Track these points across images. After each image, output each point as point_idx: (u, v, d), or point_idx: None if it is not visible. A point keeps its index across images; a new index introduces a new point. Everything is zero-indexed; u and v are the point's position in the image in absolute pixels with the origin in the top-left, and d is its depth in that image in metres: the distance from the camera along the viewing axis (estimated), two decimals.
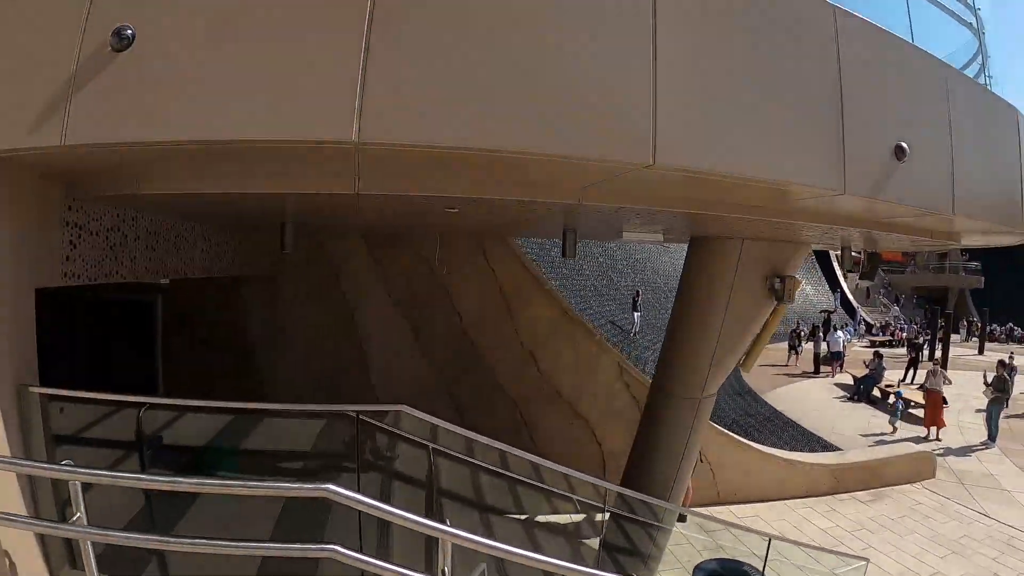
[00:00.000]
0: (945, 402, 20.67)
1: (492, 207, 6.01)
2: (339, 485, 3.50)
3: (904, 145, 5.37)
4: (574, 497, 8.16)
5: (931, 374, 21.53)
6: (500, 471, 7.48)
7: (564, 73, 3.75)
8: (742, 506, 13.71)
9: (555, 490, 8.07)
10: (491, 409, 13.03)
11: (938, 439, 19.81)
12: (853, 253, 10.86)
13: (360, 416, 6.09)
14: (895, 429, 21.14)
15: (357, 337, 13.13)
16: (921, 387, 23.24)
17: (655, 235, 9.79)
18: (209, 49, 3.52)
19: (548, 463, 7.14)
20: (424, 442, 6.56)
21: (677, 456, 9.64)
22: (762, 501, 14.04)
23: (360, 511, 4.09)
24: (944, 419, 20.38)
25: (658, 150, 3.87)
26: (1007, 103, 7.71)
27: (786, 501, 14.17)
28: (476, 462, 7.24)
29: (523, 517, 8.53)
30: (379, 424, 6.49)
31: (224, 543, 3.57)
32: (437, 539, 3.70)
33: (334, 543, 3.41)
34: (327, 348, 12.95)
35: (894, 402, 22.58)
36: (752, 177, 4.52)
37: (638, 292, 29.47)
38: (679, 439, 9.57)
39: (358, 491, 3.74)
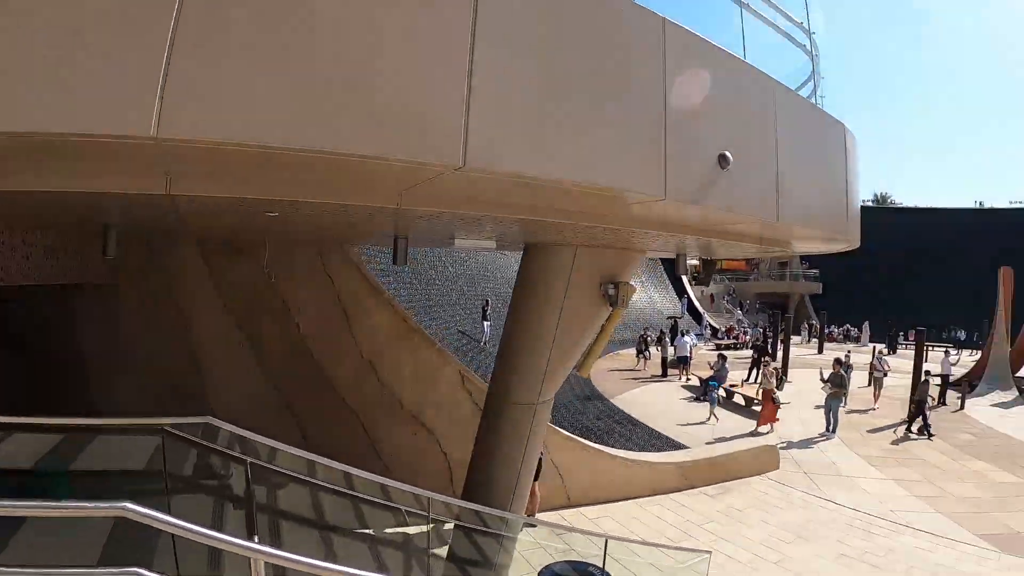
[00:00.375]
0: (774, 400, 21.59)
1: (313, 211, 5.79)
2: (157, 503, 3.32)
3: (728, 154, 5.44)
4: (402, 508, 8.02)
5: (764, 375, 22.55)
6: (324, 484, 7.31)
7: (376, 72, 3.64)
8: (592, 507, 13.83)
9: (385, 502, 7.92)
10: (333, 421, 12.63)
11: (758, 433, 20.69)
12: (692, 262, 11.10)
13: (167, 429, 5.83)
14: (715, 419, 22.68)
15: (193, 349, 12.54)
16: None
17: (488, 242, 9.71)
18: (9, 35, 3.18)
19: (362, 473, 7.04)
20: (242, 456, 6.29)
21: (516, 462, 9.58)
22: (612, 501, 14.18)
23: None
24: (775, 415, 21.49)
25: (469, 152, 3.80)
26: (835, 119, 8.00)
27: (636, 500, 14.37)
28: (294, 475, 7.03)
29: (369, 532, 8.37)
30: (201, 441, 6.24)
31: (18, 571, 3.36)
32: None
33: (137, 566, 3.25)
34: (164, 361, 12.30)
35: (709, 393, 23.94)
36: (569, 181, 4.50)
37: (487, 301, 29.78)
38: (517, 445, 9.51)
39: (168, 509, 3.56)
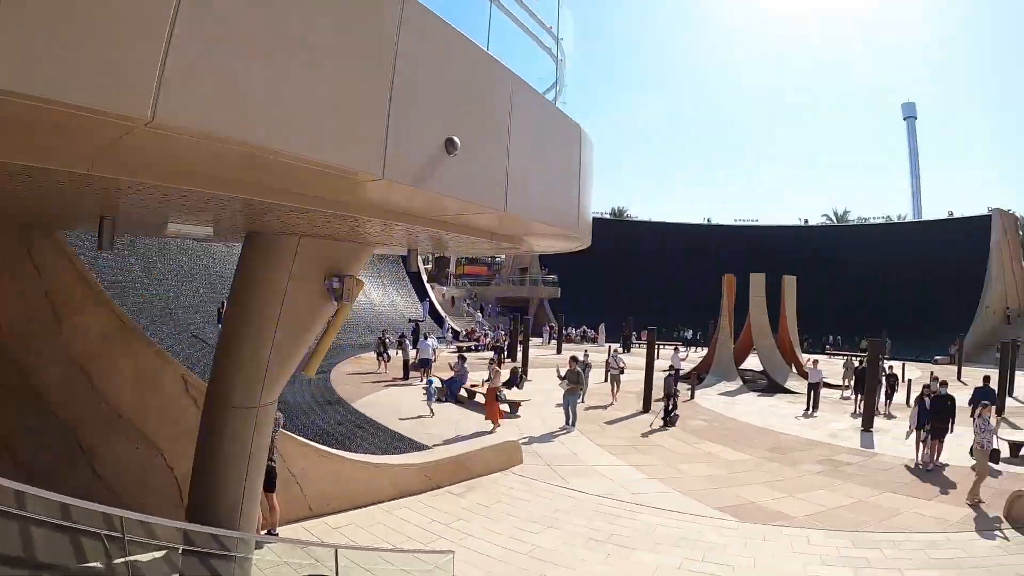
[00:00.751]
0: (498, 398, 22.07)
1: None
2: None
3: (456, 139, 5.28)
4: (100, 533, 7.22)
5: (490, 374, 22.98)
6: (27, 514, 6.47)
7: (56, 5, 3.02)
8: (337, 516, 13.25)
9: (108, 532, 7.08)
10: (42, 436, 10.97)
11: (493, 431, 20.84)
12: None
13: None
14: (432, 413, 23.40)
15: None
16: (505, 385, 25.30)
17: (205, 229, 8.94)
18: None
19: (78, 501, 6.32)
20: None
21: (240, 473, 8.87)
22: (357, 508, 13.67)
23: None
24: (501, 413, 21.95)
25: (162, 105, 3.32)
26: (572, 120, 8.12)
27: (382, 504, 13.98)
28: None
29: (94, 566, 7.54)
30: None
31: None
32: None
33: None
34: None
35: (427, 388, 24.57)
36: (274, 148, 4.11)
37: (223, 303, 28.57)
38: (240, 454, 8.81)
39: None
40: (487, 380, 23.84)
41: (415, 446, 18.50)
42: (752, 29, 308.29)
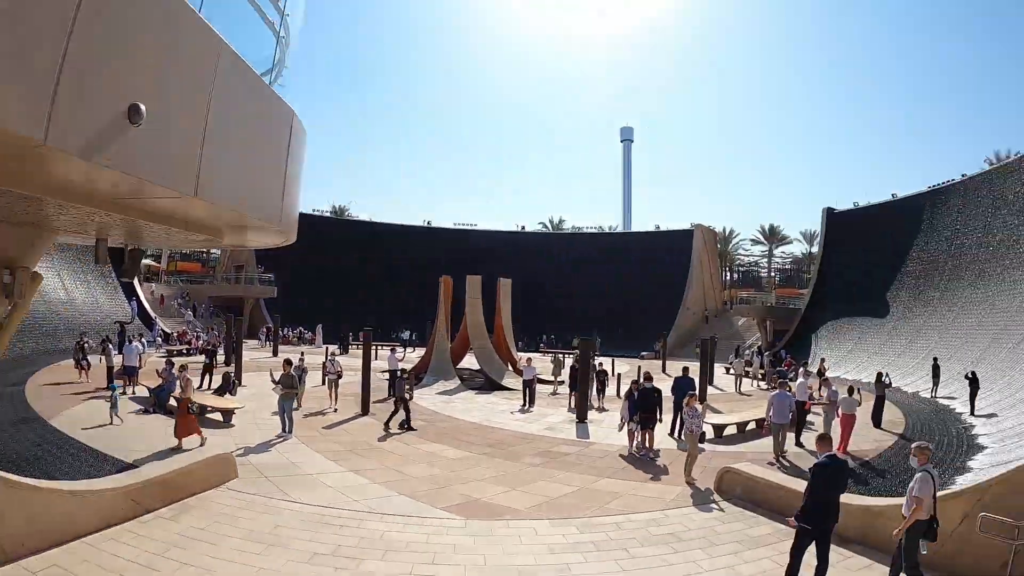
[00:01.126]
0: (190, 410, 20.21)
1: None
2: None
3: (142, 108, 4.50)
4: None
5: (184, 383, 21.57)
6: None
7: None
8: (35, 558, 11.24)
9: None
10: None
11: (182, 448, 19.26)
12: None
13: None
14: (120, 420, 22.37)
15: None
16: (217, 391, 25.26)
17: None
18: None
19: None
20: None
21: None
22: (58, 545, 11.81)
23: None
24: (195, 426, 20.24)
25: None
26: (284, 103, 7.58)
27: (87, 538, 12.26)
28: None
29: None
30: None
31: None
32: None
33: None
34: None
35: (112, 396, 23.21)
36: None
37: None
38: None
39: None
40: (199, 387, 22.58)
41: (120, 466, 17.04)
42: (492, 45, 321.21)
